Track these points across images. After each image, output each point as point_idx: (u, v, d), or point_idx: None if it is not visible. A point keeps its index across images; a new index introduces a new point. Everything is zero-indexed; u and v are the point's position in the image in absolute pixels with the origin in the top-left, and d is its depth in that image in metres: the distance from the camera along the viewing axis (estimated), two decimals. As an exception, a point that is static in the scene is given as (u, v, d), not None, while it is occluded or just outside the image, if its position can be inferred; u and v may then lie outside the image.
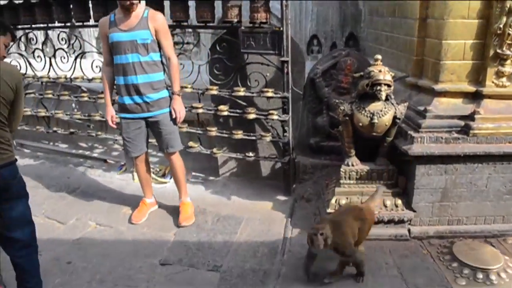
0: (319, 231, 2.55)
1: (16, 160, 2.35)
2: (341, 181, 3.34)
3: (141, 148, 3.51)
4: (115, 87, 3.43)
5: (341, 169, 3.32)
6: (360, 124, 3.14)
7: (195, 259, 3.07)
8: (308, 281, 2.77)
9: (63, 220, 3.68)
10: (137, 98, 3.29)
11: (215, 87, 3.84)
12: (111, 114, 3.45)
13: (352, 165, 3.32)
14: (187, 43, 4.39)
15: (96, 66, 4.24)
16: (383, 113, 3.08)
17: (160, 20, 3.23)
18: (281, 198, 3.93)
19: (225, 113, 3.82)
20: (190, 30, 5.04)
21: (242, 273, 2.91)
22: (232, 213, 3.68)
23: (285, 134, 3.85)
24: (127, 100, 3.32)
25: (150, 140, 3.61)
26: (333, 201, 3.30)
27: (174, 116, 3.36)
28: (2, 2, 4.55)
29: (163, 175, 4.32)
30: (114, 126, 3.50)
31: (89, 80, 4.35)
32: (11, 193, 2.33)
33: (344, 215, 2.79)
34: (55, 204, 3.97)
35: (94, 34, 5.76)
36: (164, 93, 3.36)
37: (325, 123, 4.25)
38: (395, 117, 3.11)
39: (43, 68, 4.65)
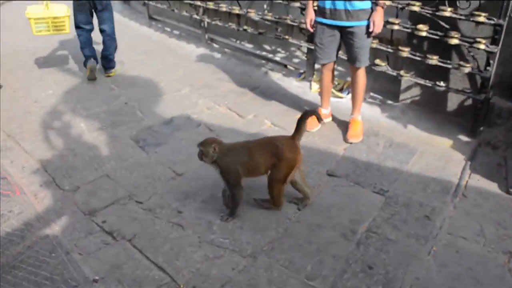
0: (202, 145, 2.50)
1: None
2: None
3: (330, 56, 3.45)
4: None
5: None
6: None
7: (362, 178, 3.03)
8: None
9: (242, 113, 3.95)
10: (338, 4, 3.16)
11: (417, 3, 3.46)
12: (311, 17, 3.43)
13: None
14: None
15: (296, -33, 4.17)
16: None
17: None
18: (464, 138, 3.55)
19: (423, 34, 3.46)
20: None
21: (408, 203, 2.78)
22: (406, 142, 3.48)
23: (487, 68, 3.36)
24: (328, 4, 3.22)
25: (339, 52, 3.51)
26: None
27: (371, 29, 3.17)
28: None
29: (341, 90, 4.24)
30: (311, 30, 3.48)
31: (287, -18, 4.32)
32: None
33: (254, 144, 2.61)
34: (236, 98, 4.26)
35: None
36: (368, 4, 3.16)
37: (540, 63, 3.58)
38: None
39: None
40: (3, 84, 4.74)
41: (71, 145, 3.53)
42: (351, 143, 3.45)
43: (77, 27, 4.83)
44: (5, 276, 2.30)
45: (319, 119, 2.79)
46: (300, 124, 2.62)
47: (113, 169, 3.18)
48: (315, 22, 3.40)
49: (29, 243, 2.53)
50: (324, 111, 3.72)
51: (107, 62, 4.93)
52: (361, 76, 3.43)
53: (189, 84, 4.63)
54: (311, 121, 3.64)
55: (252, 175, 2.63)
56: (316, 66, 4.57)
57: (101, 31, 4.90)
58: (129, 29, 7.07)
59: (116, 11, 8.20)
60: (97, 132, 3.71)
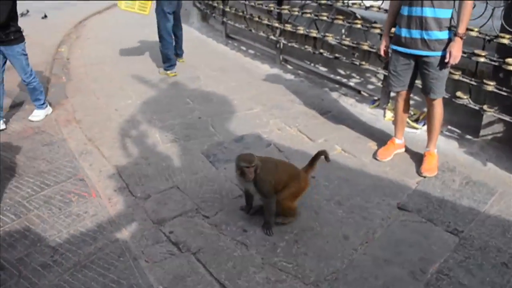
0: (251, 163, 2.53)
1: None
2: None
3: (404, 84, 3.37)
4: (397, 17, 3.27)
5: None
6: None
7: (435, 215, 2.88)
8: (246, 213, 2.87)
9: (312, 137, 3.92)
10: (415, 33, 3.08)
11: (507, 36, 3.28)
12: (385, 44, 3.42)
13: None
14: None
15: (377, -5, 4.13)
16: None
17: None
18: (549, 180, 3.29)
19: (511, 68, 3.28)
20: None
21: (485, 247, 2.60)
22: (485, 181, 3.27)
23: None
24: (404, 33, 3.15)
25: (416, 81, 3.41)
26: None
27: (447, 60, 3.03)
28: None
29: (416, 120, 4.10)
30: (384, 55, 3.47)
31: (366, 8, 4.28)
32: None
33: (279, 164, 2.78)
34: (307, 121, 4.25)
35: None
36: (445, 34, 3.04)
37: None
38: None
39: (324, -11, 4.78)
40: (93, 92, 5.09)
41: (145, 154, 3.69)
42: (424, 176, 3.30)
43: (168, 33, 5.61)
44: (76, 274, 2.43)
45: (327, 159, 2.91)
46: (313, 162, 2.87)
47: (183, 181, 3.27)
48: (392, 49, 3.33)
49: (100, 245, 2.66)
50: (398, 141, 3.61)
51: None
52: (438, 107, 3.30)
53: (261, 103, 4.69)
54: (385, 150, 3.56)
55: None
56: (392, 94, 4.47)
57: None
58: (206, 46, 7.34)
59: (194, 28, 8.61)
60: (170, 143, 3.85)
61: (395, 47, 3.28)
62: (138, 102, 4.81)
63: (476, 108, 3.58)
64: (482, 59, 3.43)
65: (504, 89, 3.40)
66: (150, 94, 5.06)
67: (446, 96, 3.35)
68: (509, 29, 3.34)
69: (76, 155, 3.73)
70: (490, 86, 3.43)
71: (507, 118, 3.46)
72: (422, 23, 3.03)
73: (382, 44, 3.43)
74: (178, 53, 6.20)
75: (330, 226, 2.78)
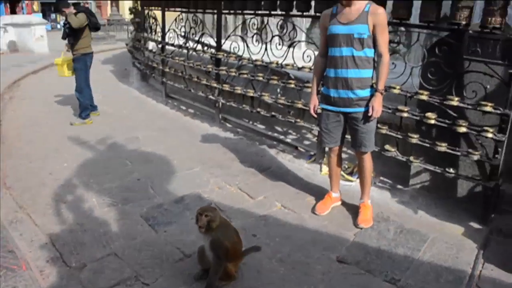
0: (206, 212, 2.56)
1: None
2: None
3: (336, 141, 3.53)
4: (323, 78, 3.49)
5: None
6: None
7: (373, 265, 2.96)
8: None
9: (253, 195, 3.97)
10: (342, 92, 3.29)
11: (426, 92, 3.60)
12: (314, 103, 3.52)
13: None
14: (399, 42, 4.20)
15: (307, 56, 4.39)
16: None
17: (380, 15, 3.15)
18: (475, 225, 3.51)
19: (432, 122, 3.56)
20: (402, 28, 4.85)
21: (421, 294, 2.70)
22: (417, 229, 3.44)
23: (496, 155, 3.40)
24: (332, 93, 3.35)
25: (346, 136, 3.59)
26: (545, 244, 2.80)
27: (369, 113, 3.25)
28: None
29: (351, 173, 4.28)
30: (315, 115, 3.57)
31: (299, 69, 4.54)
32: None
33: (237, 235, 2.75)
34: (247, 179, 4.31)
35: (306, 25, 6.00)
36: (369, 92, 3.29)
37: (548, 152, 3.62)
38: None
39: (258, 52, 5.03)
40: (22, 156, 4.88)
41: (81, 220, 3.54)
42: (361, 228, 3.42)
43: (88, 85, 6.40)
44: None
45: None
46: (243, 254, 2.83)
47: (121, 247, 3.16)
48: (322, 108, 3.50)
49: (30, 323, 2.47)
50: (334, 195, 3.74)
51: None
52: (368, 160, 3.48)
53: (201, 162, 4.71)
54: (322, 204, 3.66)
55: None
56: (326, 148, 4.67)
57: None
58: (146, 106, 7.36)
59: (134, 88, 8.64)
60: (108, 207, 3.74)
61: (324, 106, 3.46)
62: (74, 165, 4.67)
63: (404, 159, 3.82)
64: (405, 114, 3.71)
65: (426, 141, 3.67)
66: (87, 156, 4.94)
67: (376, 149, 3.55)
68: (427, 86, 3.67)
69: (5, 224, 3.51)
70: (414, 138, 3.68)
71: (431, 168, 3.71)
72: (348, 84, 3.25)
73: (311, 103, 3.54)
74: (94, 105, 6.73)
75: (272, 284, 2.76)
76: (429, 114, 3.58)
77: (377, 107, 3.23)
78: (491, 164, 3.45)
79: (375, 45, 3.21)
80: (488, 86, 3.43)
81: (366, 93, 3.28)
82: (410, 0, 3.60)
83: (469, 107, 3.44)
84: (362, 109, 3.30)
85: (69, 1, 6.12)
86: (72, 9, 6.00)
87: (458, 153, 3.53)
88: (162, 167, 4.62)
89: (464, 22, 3.36)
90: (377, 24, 3.14)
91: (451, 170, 3.59)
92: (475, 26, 3.38)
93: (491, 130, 3.34)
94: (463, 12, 3.33)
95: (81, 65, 6.22)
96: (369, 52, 3.22)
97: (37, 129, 5.99)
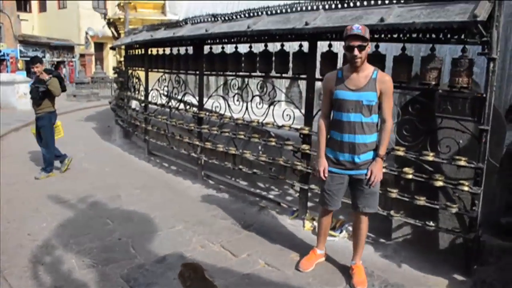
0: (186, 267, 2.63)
1: None
2: (541, 275, 2.85)
3: (337, 204, 3.49)
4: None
5: (543, 261, 2.84)
6: None
7: (359, 323, 2.93)
8: None
9: (236, 253, 3.93)
10: (348, 156, 3.30)
11: (402, 148, 3.73)
12: (324, 166, 3.41)
13: (558, 259, 2.81)
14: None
15: (287, 115, 4.54)
16: None
17: (388, 83, 3.23)
18: (458, 277, 3.53)
19: (410, 177, 3.66)
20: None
21: None
22: (402, 283, 3.44)
23: (473, 208, 3.49)
24: (337, 155, 3.35)
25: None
26: (526, 295, 2.83)
27: (367, 177, 3.27)
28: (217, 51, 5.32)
29: (333, 228, 4.30)
30: (324, 178, 3.42)
31: (279, 127, 4.67)
32: None
33: None
34: (230, 236, 4.28)
35: (285, 84, 6.24)
36: (374, 154, 3.33)
37: (522, 203, 3.74)
38: None
39: (239, 111, 5.18)
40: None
41: (59, 282, 3.44)
42: None
43: (54, 141, 6.61)
44: None
45: None
46: None
47: (101, 311, 3.06)
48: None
49: None
50: (319, 252, 3.73)
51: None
52: (366, 223, 3.46)
53: (184, 220, 4.67)
54: (307, 261, 3.65)
55: None
56: (309, 204, 4.71)
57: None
58: (128, 163, 7.35)
59: (116, 145, 8.66)
60: (87, 269, 3.65)
61: (330, 168, 3.41)
62: (53, 224, 4.57)
63: (384, 214, 3.87)
64: (383, 170, 3.80)
65: (406, 195, 3.75)
66: (67, 215, 4.85)
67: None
68: (403, 142, 3.80)
69: (-20, 289, 3.39)
70: (394, 193, 3.76)
71: (412, 221, 3.76)
72: (355, 148, 3.27)
73: (321, 166, 3.41)
74: (62, 154, 6.92)
75: None
76: (406, 169, 3.69)
77: (376, 172, 3.27)
78: (470, 216, 3.53)
79: (379, 110, 3.28)
80: (461, 141, 3.58)
81: (370, 155, 3.32)
82: (383, 63, 3.81)
83: (444, 161, 3.56)
84: (366, 171, 3.32)
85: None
86: (42, 67, 6.39)
87: (437, 207, 3.61)
88: (144, 226, 4.56)
89: (433, 82, 3.55)
90: (384, 92, 3.22)
91: (431, 223, 3.65)
92: (445, 85, 3.57)
93: (466, 183, 3.45)
94: (432, 73, 3.54)
95: (46, 122, 6.49)
96: (375, 118, 3.29)
97: (17, 187, 5.90)
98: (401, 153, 3.72)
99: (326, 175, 3.40)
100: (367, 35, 3.13)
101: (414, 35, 3.72)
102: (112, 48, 10.84)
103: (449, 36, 3.53)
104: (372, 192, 3.36)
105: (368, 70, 3.24)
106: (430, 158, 3.57)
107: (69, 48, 29.23)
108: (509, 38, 5.15)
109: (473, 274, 3.52)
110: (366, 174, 3.29)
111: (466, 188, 3.44)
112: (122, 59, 9.72)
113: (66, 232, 4.40)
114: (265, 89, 5.02)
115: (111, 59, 27.03)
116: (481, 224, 3.58)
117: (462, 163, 3.44)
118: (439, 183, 3.53)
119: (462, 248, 3.66)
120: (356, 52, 3.11)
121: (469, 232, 3.54)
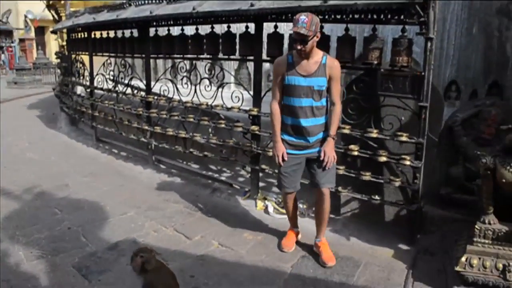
0: (140, 253, 2.51)
1: None
2: (474, 239, 3.06)
3: (295, 185, 3.54)
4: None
5: (476, 226, 3.05)
6: (504, 180, 2.88)
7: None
8: None
9: (189, 235, 3.95)
10: (301, 138, 3.38)
11: (347, 126, 3.86)
12: (283, 151, 3.41)
13: (489, 223, 3.02)
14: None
15: (236, 97, 4.57)
16: (534, 171, 2.80)
17: (337, 68, 3.31)
18: (403, 247, 3.74)
19: (355, 153, 3.80)
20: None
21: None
22: (351, 255, 3.60)
23: (415, 181, 3.69)
24: (291, 138, 3.40)
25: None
26: (463, 259, 3.03)
27: (321, 158, 3.34)
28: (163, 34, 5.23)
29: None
30: (282, 164, 3.44)
31: (228, 109, 4.68)
32: None
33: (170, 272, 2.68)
34: (183, 219, 4.29)
35: (234, 66, 6.24)
36: (325, 134, 3.42)
37: (459, 174, 3.98)
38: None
39: (188, 94, 5.14)
40: None
41: (6, 276, 3.32)
42: (330, 266, 3.43)
43: None
44: None
45: None
46: None
47: (53, 302, 3.01)
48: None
49: None
50: (296, 230, 3.84)
51: None
52: (328, 199, 3.50)
53: (135, 206, 4.63)
54: (287, 240, 3.73)
55: None
56: (261, 184, 4.79)
57: None
58: (75, 151, 7.14)
59: (63, 133, 8.36)
60: (36, 260, 3.54)
61: (286, 150, 3.45)
62: (-2, 218, 4.40)
63: (333, 190, 4.00)
64: (332, 148, 3.93)
65: (352, 171, 3.90)
66: (11, 207, 4.66)
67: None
68: (348, 120, 3.93)
69: None
70: (341, 170, 3.90)
71: (359, 196, 3.93)
72: (307, 131, 3.34)
73: (280, 151, 3.41)
74: None
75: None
76: (352, 146, 3.83)
77: (329, 152, 3.35)
78: (412, 189, 3.73)
79: (328, 94, 3.36)
80: (402, 118, 3.75)
81: (321, 135, 3.41)
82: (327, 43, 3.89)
83: (387, 138, 3.73)
84: (320, 149, 3.40)
85: None
86: None
87: (382, 181, 3.79)
88: (94, 213, 4.47)
89: (376, 62, 3.68)
90: (333, 76, 3.29)
91: (377, 197, 3.82)
92: (386, 64, 3.71)
93: (408, 158, 3.63)
94: (374, 53, 3.67)
95: None
96: (325, 101, 3.38)
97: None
98: (346, 131, 3.86)
99: (286, 158, 3.43)
100: (314, 27, 3.10)
101: (357, 16, 3.81)
102: (53, 32, 10.32)
103: (389, 16, 3.64)
104: (330, 167, 3.42)
105: (318, 55, 3.28)
106: (374, 135, 3.73)
107: (7, 33, 27.53)
108: (447, 19, 5.38)
109: (416, 243, 3.74)
110: (319, 152, 3.37)
111: (408, 163, 3.62)
112: (65, 43, 9.30)
113: (11, 224, 4.24)
114: (213, 72, 5.00)
115: (53, 44, 25.74)
116: (423, 196, 3.78)
117: (404, 138, 3.61)
118: (383, 159, 3.69)
119: (406, 219, 3.88)
120: (299, 46, 3.15)
121: (412, 204, 3.74)
